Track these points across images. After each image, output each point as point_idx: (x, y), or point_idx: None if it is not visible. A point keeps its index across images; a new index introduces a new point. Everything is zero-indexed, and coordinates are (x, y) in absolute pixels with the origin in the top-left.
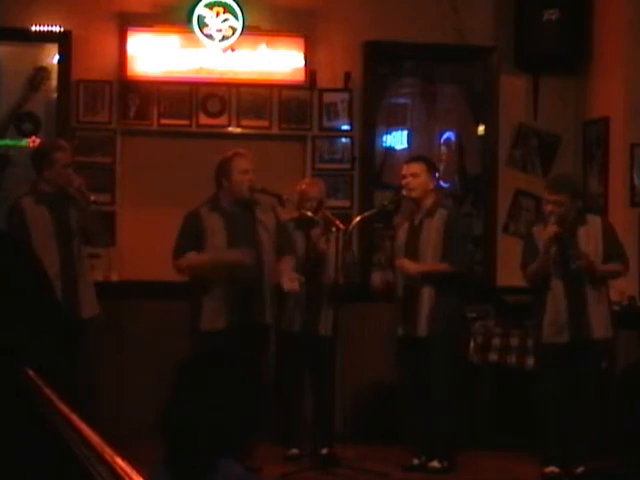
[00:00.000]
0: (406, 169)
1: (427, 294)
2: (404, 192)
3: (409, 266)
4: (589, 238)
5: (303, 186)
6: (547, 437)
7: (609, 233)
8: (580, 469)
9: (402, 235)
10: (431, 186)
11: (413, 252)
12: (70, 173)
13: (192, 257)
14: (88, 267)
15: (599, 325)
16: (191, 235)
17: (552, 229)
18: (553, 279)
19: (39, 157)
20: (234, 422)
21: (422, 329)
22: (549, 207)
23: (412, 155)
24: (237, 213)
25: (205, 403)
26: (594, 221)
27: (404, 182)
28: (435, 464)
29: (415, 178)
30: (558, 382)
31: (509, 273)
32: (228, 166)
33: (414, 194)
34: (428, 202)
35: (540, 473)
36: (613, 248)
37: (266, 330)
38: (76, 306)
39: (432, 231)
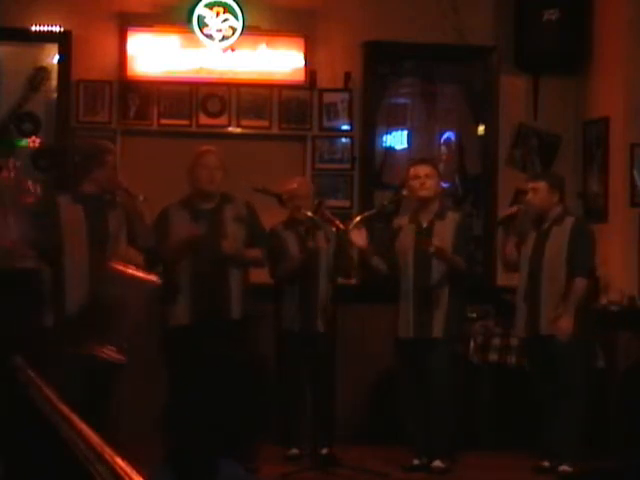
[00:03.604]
0: (419, 170)
1: (441, 296)
2: (404, 192)
3: (434, 240)
4: (556, 239)
5: (294, 185)
6: (542, 432)
7: (577, 236)
8: (562, 467)
9: (408, 237)
10: (440, 188)
11: (423, 254)
12: (117, 176)
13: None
14: None
15: (553, 322)
16: (159, 229)
17: (511, 209)
18: (521, 268)
19: (88, 157)
20: (234, 422)
21: (437, 330)
22: (529, 195)
23: (417, 157)
24: (205, 210)
25: (205, 403)
26: (567, 222)
27: (418, 182)
28: (438, 464)
29: (430, 179)
30: (543, 378)
31: (509, 273)
32: (194, 163)
33: (428, 194)
34: (435, 204)
35: (534, 465)
36: (575, 254)
37: (234, 326)
38: None
39: (445, 234)
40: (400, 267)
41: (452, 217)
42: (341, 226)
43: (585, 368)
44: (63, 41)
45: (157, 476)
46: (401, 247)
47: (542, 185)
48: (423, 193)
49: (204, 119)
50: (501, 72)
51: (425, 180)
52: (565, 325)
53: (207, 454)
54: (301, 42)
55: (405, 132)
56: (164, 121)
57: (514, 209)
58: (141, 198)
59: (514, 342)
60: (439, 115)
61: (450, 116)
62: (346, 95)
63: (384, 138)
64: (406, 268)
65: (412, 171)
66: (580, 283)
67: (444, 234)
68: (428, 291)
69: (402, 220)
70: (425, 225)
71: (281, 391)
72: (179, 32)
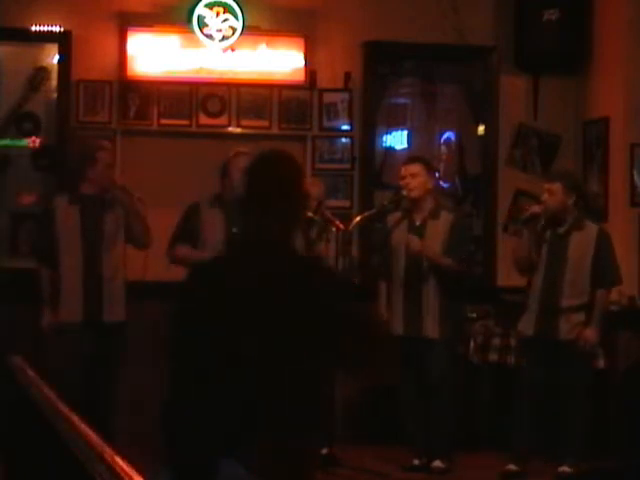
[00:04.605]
0: (404, 170)
1: (432, 294)
2: (404, 192)
3: (416, 243)
4: (579, 245)
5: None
6: (517, 434)
7: (602, 246)
8: (562, 467)
9: (400, 235)
10: (430, 186)
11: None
12: (113, 173)
13: (185, 251)
14: (122, 272)
15: (569, 326)
16: (187, 226)
17: (534, 208)
18: (536, 270)
19: (81, 157)
20: (234, 422)
21: (428, 330)
22: (545, 195)
23: (410, 156)
24: (238, 211)
25: (205, 403)
26: (590, 229)
27: (403, 182)
28: (438, 464)
29: (414, 178)
30: (537, 379)
31: (509, 273)
32: (229, 164)
33: (413, 194)
34: (428, 203)
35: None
36: (601, 264)
37: None
38: (98, 309)
39: (438, 233)
40: (392, 264)
41: (446, 217)
42: (341, 226)
43: (589, 370)
44: (63, 41)
45: (157, 476)
46: (394, 244)
47: (557, 187)
48: (409, 194)
49: (204, 119)
50: (501, 72)
51: (410, 180)
52: (591, 334)
53: (207, 454)
54: (301, 42)
55: (405, 132)
56: (164, 121)
57: (537, 209)
58: (137, 196)
59: (514, 342)
60: (439, 115)
61: (450, 116)
62: (346, 95)
63: (384, 138)
64: (397, 265)
65: (402, 170)
66: (604, 295)
67: (436, 233)
68: (419, 288)
69: (396, 217)
70: (418, 223)
71: None
72: (179, 32)
